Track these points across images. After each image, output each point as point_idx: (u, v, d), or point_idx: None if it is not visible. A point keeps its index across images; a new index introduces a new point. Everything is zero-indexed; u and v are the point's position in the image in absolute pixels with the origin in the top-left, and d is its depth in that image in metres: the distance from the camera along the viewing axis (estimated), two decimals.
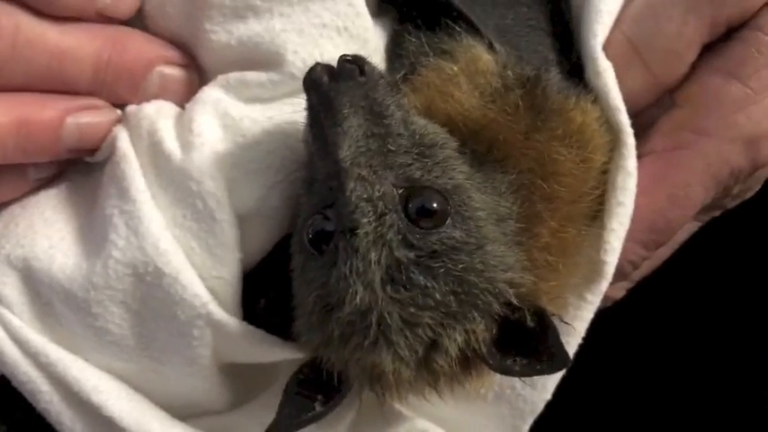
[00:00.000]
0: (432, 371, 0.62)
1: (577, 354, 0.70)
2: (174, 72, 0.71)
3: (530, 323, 0.61)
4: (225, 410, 0.75)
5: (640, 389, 0.94)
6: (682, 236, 0.79)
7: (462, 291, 0.60)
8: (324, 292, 0.61)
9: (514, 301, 0.62)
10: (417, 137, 0.63)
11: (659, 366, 0.93)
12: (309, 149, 0.64)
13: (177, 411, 0.73)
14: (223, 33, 0.69)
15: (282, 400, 0.65)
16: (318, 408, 0.65)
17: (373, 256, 0.60)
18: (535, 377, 0.70)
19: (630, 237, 0.70)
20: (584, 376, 0.72)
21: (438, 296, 0.60)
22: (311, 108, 0.62)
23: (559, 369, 0.62)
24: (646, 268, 0.78)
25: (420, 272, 0.60)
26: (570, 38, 0.73)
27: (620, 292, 0.79)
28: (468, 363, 0.63)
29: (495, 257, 0.62)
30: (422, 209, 0.61)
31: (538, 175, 0.65)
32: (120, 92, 0.70)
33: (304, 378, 0.66)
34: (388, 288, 0.60)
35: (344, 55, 0.61)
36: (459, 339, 0.61)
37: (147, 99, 0.71)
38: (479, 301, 0.61)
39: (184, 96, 0.71)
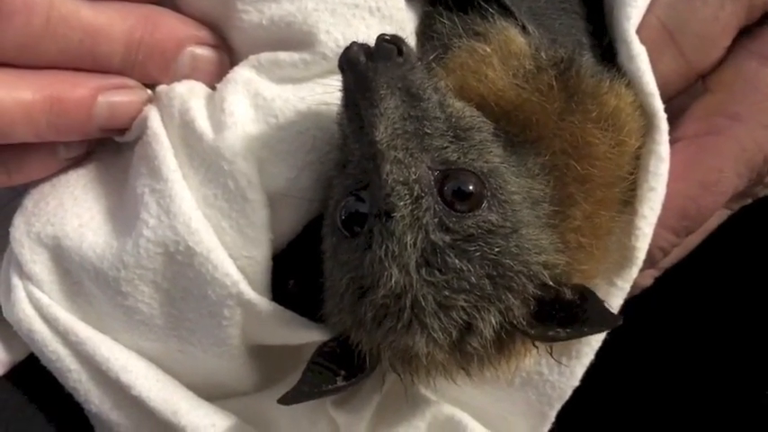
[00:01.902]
0: (465, 353, 0.62)
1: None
2: (204, 52, 0.71)
3: (568, 296, 0.61)
4: (251, 392, 0.76)
5: (648, 384, 0.94)
6: (712, 223, 0.79)
7: (497, 274, 0.60)
8: (357, 274, 0.61)
9: (549, 283, 0.62)
10: (454, 120, 0.63)
11: (666, 364, 0.93)
12: (343, 130, 0.64)
13: (204, 392, 0.73)
14: (255, 13, 0.69)
15: (306, 369, 0.65)
16: (340, 382, 0.65)
17: (409, 239, 0.59)
18: (564, 363, 0.70)
19: (661, 223, 0.69)
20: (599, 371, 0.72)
21: (473, 279, 0.60)
22: (347, 88, 0.62)
23: (610, 327, 0.61)
24: (675, 255, 0.77)
25: (455, 255, 0.60)
26: (603, 21, 0.72)
27: (648, 280, 0.78)
28: (503, 344, 0.62)
29: (530, 240, 0.62)
30: (458, 191, 0.60)
31: (571, 156, 0.65)
32: (150, 71, 0.70)
33: (329, 351, 0.66)
34: (423, 271, 0.60)
35: (383, 34, 0.61)
36: (495, 321, 0.61)
37: (178, 79, 0.71)
38: (514, 284, 0.61)
39: (215, 77, 0.71)
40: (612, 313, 0.62)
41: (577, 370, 0.71)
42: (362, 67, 0.60)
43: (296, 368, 0.74)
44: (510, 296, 0.61)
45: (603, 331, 0.64)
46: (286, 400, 0.64)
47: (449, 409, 0.74)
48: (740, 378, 0.89)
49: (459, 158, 0.61)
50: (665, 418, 0.92)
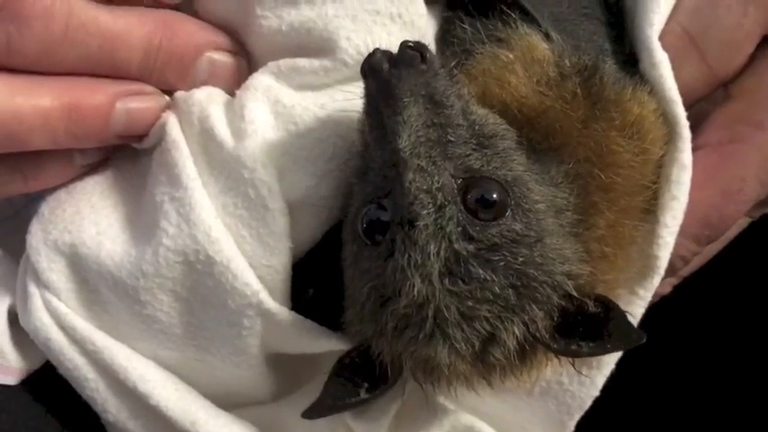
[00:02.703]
0: (488, 364, 0.62)
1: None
2: (223, 58, 0.70)
3: (592, 309, 0.61)
4: (268, 401, 0.75)
5: (666, 392, 0.93)
6: (733, 232, 0.78)
7: (521, 284, 0.60)
8: (379, 283, 0.61)
9: (573, 293, 0.61)
10: (477, 127, 0.62)
11: (683, 372, 0.93)
12: (364, 138, 0.63)
13: (222, 401, 0.72)
14: (274, 19, 0.68)
15: (327, 382, 0.65)
16: (363, 395, 0.64)
17: (432, 248, 0.59)
18: (584, 373, 0.69)
19: (683, 232, 0.69)
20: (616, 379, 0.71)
21: (497, 289, 0.59)
22: (369, 95, 0.61)
23: (633, 344, 0.60)
24: (695, 264, 0.76)
25: (479, 265, 0.59)
26: (624, 27, 0.71)
27: (667, 288, 0.78)
28: (526, 355, 0.62)
29: (554, 250, 0.61)
30: (481, 199, 0.60)
31: (595, 165, 0.64)
32: (168, 77, 0.70)
33: (350, 363, 0.65)
34: (446, 281, 0.59)
35: (406, 41, 0.60)
36: (518, 331, 0.60)
37: (196, 85, 0.70)
38: (538, 294, 0.60)
39: (233, 83, 0.70)
40: (637, 330, 0.61)
41: (598, 380, 0.70)
42: (386, 74, 0.59)
43: (314, 377, 0.74)
44: (534, 307, 0.60)
45: (627, 349, 0.63)
46: (310, 414, 0.63)
47: (467, 419, 0.73)
48: (759, 386, 0.89)
49: (482, 166, 0.61)
50: (681, 426, 0.92)
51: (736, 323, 0.91)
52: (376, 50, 0.60)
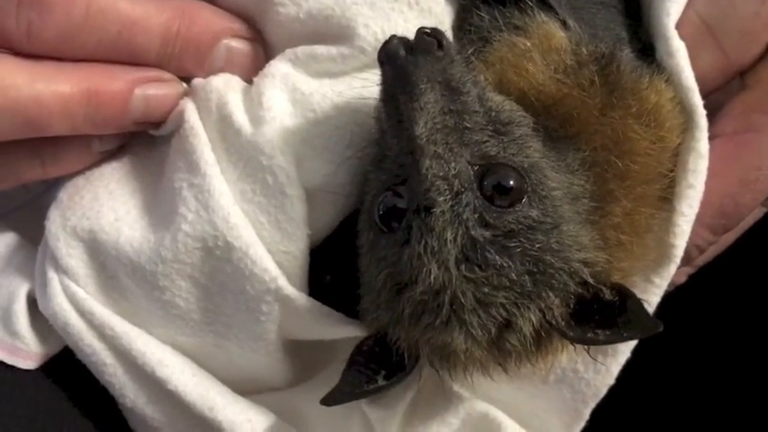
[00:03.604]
0: (503, 350, 0.62)
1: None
2: (240, 45, 0.71)
3: (608, 297, 0.61)
4: (285, 387, 0.76)
5: (680, 382, 0.93)
6: (748, 221, 0.78)
7: (538, 270, 0.60)
8: (395, 270, 0.61)
9: (590, 280, 0.61)
10: (493, 114, 0.62)
11: (698, 362, 0.92)
12: (381, 125, 0.64)
13: (239, 387, 0.73)
14: (292, 6, 0.68)
15: (346, 369, 0.65)
16: (381, 382, 0.65)
17: (449, 235, 0.59)
18: (600, 361, 0.69)
19: (699, 220, 0.69)
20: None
21: (513, 276, 0.59)
22: (385, 82, 0.61)
23: (650, 333, 0.60)
24: (710, 253, 0.76)
25: (496, 251, 0.59)
26: (641, 16, 0.71)
27: (682, 277, 0.78)
28: (541, 341, 0.62)
29: (570, 237, 0.61)
30: (498, 186, 0.60)
31: (612, 152, 0.64)
32: (186, 64, 0.70)
33: (368, 350, 0.66)
34: (463, 267, 0.59)
35: (423, 27, 0.60)
36: (534, 318, 0.60)
37: (213, 72, 0.70)
38: (554, 281, 0.60)
39: (250, 70, 0.71)
40: (653, 318, 0.61)
41: (613, 368, 0.70)
42: (402, 60, 0.59)
43: (330, 364, 0.74)
44: (550, 294, 0.60)
45: (643, 337, 0.63)
46: (328, 401, 0.64)
47: (482, 406, 0.73)
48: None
49: (499, 153, 0.61)
50: (694, 416, 0.92)
51: (753, 313, 0.91)
52: (393, 37, 0.60)
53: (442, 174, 0.59)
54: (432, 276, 0.59)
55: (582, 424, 0.73)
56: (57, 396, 0.75)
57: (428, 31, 0.60)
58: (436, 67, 0.60)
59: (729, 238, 0.77)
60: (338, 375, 0.66)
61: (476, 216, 0.59)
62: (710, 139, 0.69)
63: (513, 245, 0.59)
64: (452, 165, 0.60)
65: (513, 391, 0.72)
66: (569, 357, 0.68)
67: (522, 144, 0.62)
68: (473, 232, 0.59)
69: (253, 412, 0.71)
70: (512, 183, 0.60)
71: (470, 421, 0.73)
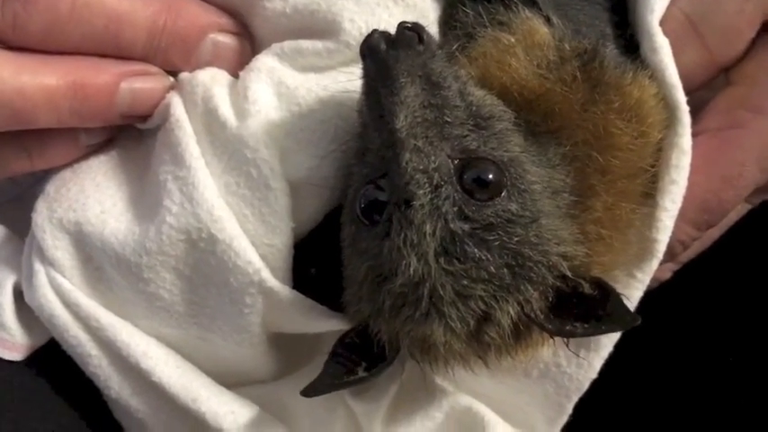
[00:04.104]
0: (482, 343, 0.62)
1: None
2: (226, 40, 0.71)
3: (588, 291, 0.61)
4: (269, 380, 0.76)
5: (663, 379, 0.93)
6: (732, 217, 0.78)
7: (516, 264, 0.60)
8: (376, 262, 0.61)
9: (568, 274, 0.61)
10: (474, 108, 0.62)
11: (682, 359, 0.93)
12: (363, 119, 0.64)
13: (223, 379, 0.73)
14: (278, 1, 0.69)
15: (327, 360, 0.66)
16: (361, 373, 0.65)
17: (428, 228, 0.59)
18: (582, 355, 0.70)
19: (682, 216, 0.69)
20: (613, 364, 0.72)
21: (492, 269, 0.60)
22: (367, 75, 0.62)
23: (628, 326, 0.61)
24: (695, 249, 0.77)
25: (474, 244, 0.59)
26: (626, 12, 0.72)
27: (667, 273, 0.78)
28: (521, 334, 0.62)
29: (550, 231, 0.62)
30: (477, 179, 0.60)
31: (593, 147, 0.64)
32: (172, 58, 0.70)
33: (350, 342, 0.66)
34: (442, 260, 0.60)
35: (404, 22, 0.61)
36: (513, 311, 0.61)
37: (200, 66, 0.71)
38: (533, 274, 0.61)
39: (237, 65, 0.71)
40: (631, 313, 0.61)
41: (596, 362, 0.71)
42: (383, 54, 0.60)
43: (314, 357, 0.74)
44: (529, 287, 0.61)
45: (621, 330, 0.64)
46: (308, 391, 0.64)
47: (466, 400, 0.74)
48: (757, 374, 0.89)
49: (479, 147, 0.61)
50: (677, 414, 0.92)
51: (737, 310, 0.91)
52: (374, 31, 0.60)
53: (421, 167, 0.60)
54: (411, 269, 0.59)
55: (565, 418, 0.73)
56: (42, 387, 0.75)
57: (409, 25, 0.60)
58: (417, 62, 0.60)
59: (713, 234, 0.78)
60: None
61: (455, 209, 0.60)
62: (694, 135, 0.69)
63: (491, 238, 0.60)
64: (432, 158, 0.60)
65: (497, 386, 0.73)
66: (551, 351, 0.68)
67: (502, 138, 0.62)
68: (452, 225, 0.59)
69: (236, 404, 0.72)
70: (491, 176, 0.60)
71: (454, 415, 0.73)
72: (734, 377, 0.90)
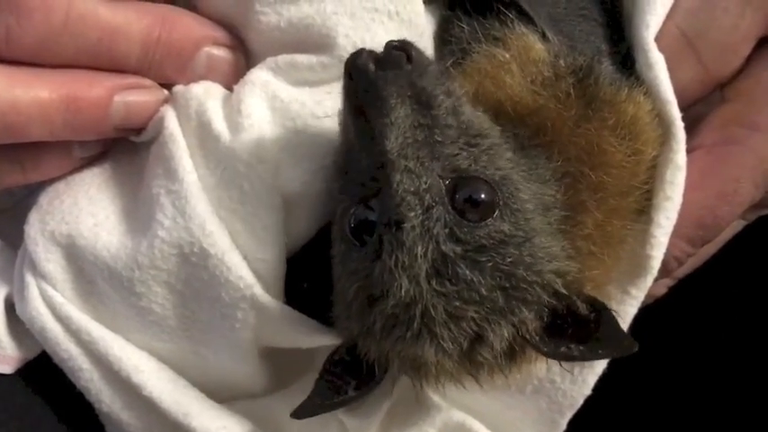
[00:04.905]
0: (475, 362, 0.62)
1: None
2: (221, 53, 0.71)
3: (583, 311, 0.61)
4: (261, 394, 0.76)
5: (658, 394, 0.93)
6: (727, 234, 0.78)
7: (510, 285, 0.60)
8: (366, 283, 0.61)
9: (562, 290, 0.61)
10: (464, 126, 0.62)
11: (677, 374, 0.93)
12: (346, 135, 0.63)
13: (215, 394, 0.73)
14: (273, 15, 0.69)
15: (318, 380, 0.65)
16: (351, 392, 0.65)
17: (419, 249, 0.59)
18: (576, 372, 0.69)
19: (677, 232, 0.69)
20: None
21: (484, 291, 0.59)
22: (350, 95, 0.60)
23: (626, 353, 0.60)
24: (689, 265, 0.77)
25: (467, 266, 0.59)
26: (622, 28, 0.72)
27: (661, 290, 0.78)
28: (514, 354, 0.62)
29: (543, 249, 0.61)
30: (469, 199, 0.60)
31: (586, 164, 0.64)
32: (167, 71, 0.70)
33: (339, 359, 0.66)
34: (434, 282, 0.59)
35: (392, 41, 0.60)
36: (507, 333, 0.60)
37: (194, 79, 0.71)
38: (528, 295, 0.60)
39: (231, 78, 0.71)
40: (628, 338, 0.61)
41: (590, 378, 0.71)
42: (372, 76, 0.59)
43: (307, 371, 0.74)
44: (523, 309, 0.60)
45: (618, 356, 0.63)
46: (298, 413, 0.64)
47: (459, 416, 0.73)
48: (752, 389, 0.89)
49: (470, 165, 0.61)
50: (673, 427, 0.92)
51: (732, 326, 0.91)
52: (362, 50, 0.59)
53: (412, 189, 0.59)
54: (403, 290, 0.59)
55: None
56: (33, 400, 0.75)
57: (396, 44, 0.59)
58: (405, 81, 0.59)
59: (709, 250, 0.78)
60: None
61: (446, 231, 0.59)
62: (690, 151, 0.69)
63: (484, 259, 0.59)
64: (423, 179, 0.59)
65: (490, 402, 0.72)
66: (545, 368, 0.68)
67: (492, 155, 0.61)
68: (443, 247, 0.59)
69: (228, 419, 0.71)
70: (483, 196, 0.60)
71: (447, 430, 0.73)
72: (727, 396, 0.90)
